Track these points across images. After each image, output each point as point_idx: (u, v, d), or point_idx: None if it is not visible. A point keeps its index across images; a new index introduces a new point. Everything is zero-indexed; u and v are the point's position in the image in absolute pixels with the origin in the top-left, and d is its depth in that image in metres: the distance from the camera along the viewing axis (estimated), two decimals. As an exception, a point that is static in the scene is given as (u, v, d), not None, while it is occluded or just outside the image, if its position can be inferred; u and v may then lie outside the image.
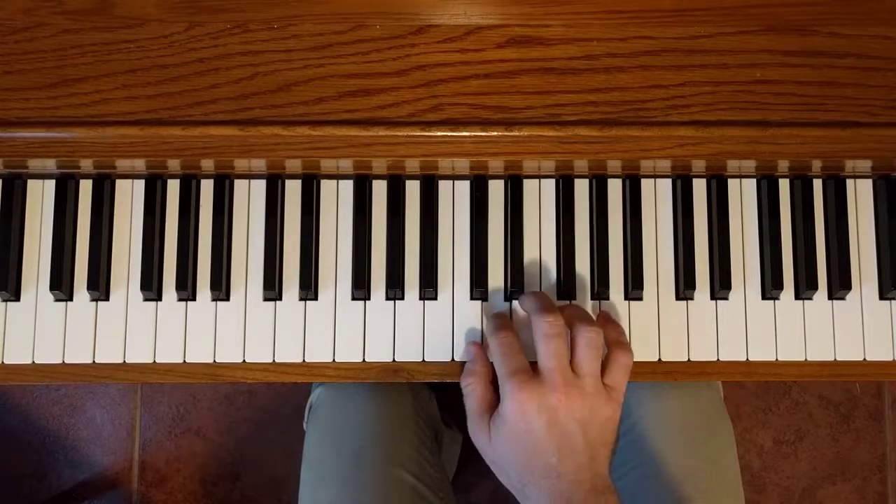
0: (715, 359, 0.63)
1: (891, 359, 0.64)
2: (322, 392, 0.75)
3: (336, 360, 0.62)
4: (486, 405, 0.58)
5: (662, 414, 0.73)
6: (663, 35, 0.58)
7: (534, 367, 0.56)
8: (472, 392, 0.59)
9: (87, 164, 0.60)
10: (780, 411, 1.28)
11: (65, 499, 1.23)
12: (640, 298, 0.64)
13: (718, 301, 0.64)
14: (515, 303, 0.63)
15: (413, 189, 0.64)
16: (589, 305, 0.63)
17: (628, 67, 0.58)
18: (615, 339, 0.58)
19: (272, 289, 0.62)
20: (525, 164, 0.61)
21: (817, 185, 0.65)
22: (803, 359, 0.63)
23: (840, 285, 0.63)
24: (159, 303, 0.63)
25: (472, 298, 0.63)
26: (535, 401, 0.54)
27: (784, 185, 0.65)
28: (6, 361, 0.62)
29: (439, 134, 0.57)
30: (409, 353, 0.63)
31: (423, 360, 0.63)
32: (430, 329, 0.63)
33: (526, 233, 0.64)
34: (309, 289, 0.62)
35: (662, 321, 0.63)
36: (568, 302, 0.63)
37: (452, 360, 0.63)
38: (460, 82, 0.58)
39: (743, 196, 0.65)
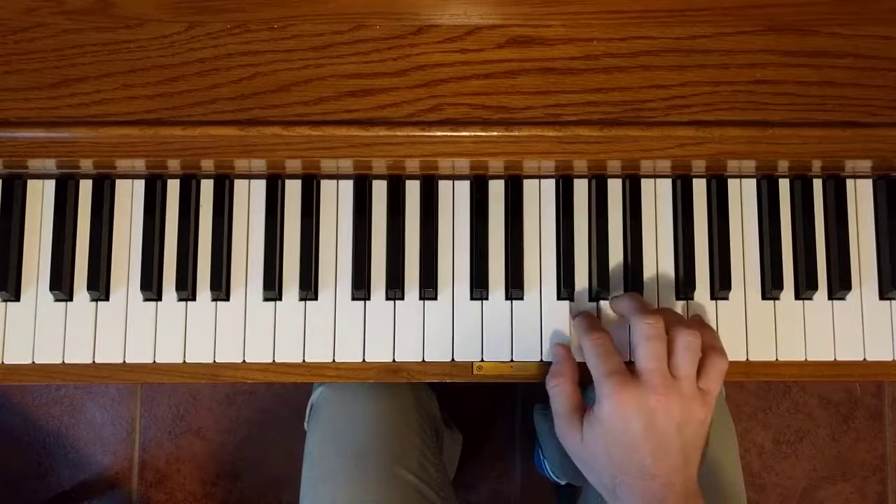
0: (715, 359, 0.63)
1: (891, 359, 0.64)
2: (323, 392, 0.75)
3: (336, 360, 0.62)
4: (574, 405, 0.58)
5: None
6: (663, 35, 0.58)
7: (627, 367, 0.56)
8: (560, 393, 0.59)
9: (87, 164, 0.60)
10: (780, 411, 1.28)
11: (65, 499, 1.23)
12: (640, 298, 0.63)
13: (718, 301, 0.64)
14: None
15: (413, 189, 0.64)
16: (588, 306, 0.63)
17: (628, 67, 0.58)
18: (711, 344, 0.58)
19: (272, 289, 0.62)
20: (525, 164, 0.61)
21: (817, 185, 0.65)
22: (803, 359, 0.63)
23: (840, 285, 0.63)
24: (159, 303, 0.63)
25: (472, 298, 0.63)
26: (634, 401, 0.54)
27: (784, 185, 0.65)
28: (6, 361, 0.62)
29: (439, 134, 0.57)
30: (409, 353, 0.63)
31: (423, 360, 0.63)
32: (430, 329, 0.63)
33: (526, 233, 0.64)
34: (309, 289, 0.62)
35: (662, 321, 0.63)
36: (568, 303, 0.63)
37: (452, 360, 0.63)
38: (460, 82, 0.58)
39: (743, 196, 0.65)
